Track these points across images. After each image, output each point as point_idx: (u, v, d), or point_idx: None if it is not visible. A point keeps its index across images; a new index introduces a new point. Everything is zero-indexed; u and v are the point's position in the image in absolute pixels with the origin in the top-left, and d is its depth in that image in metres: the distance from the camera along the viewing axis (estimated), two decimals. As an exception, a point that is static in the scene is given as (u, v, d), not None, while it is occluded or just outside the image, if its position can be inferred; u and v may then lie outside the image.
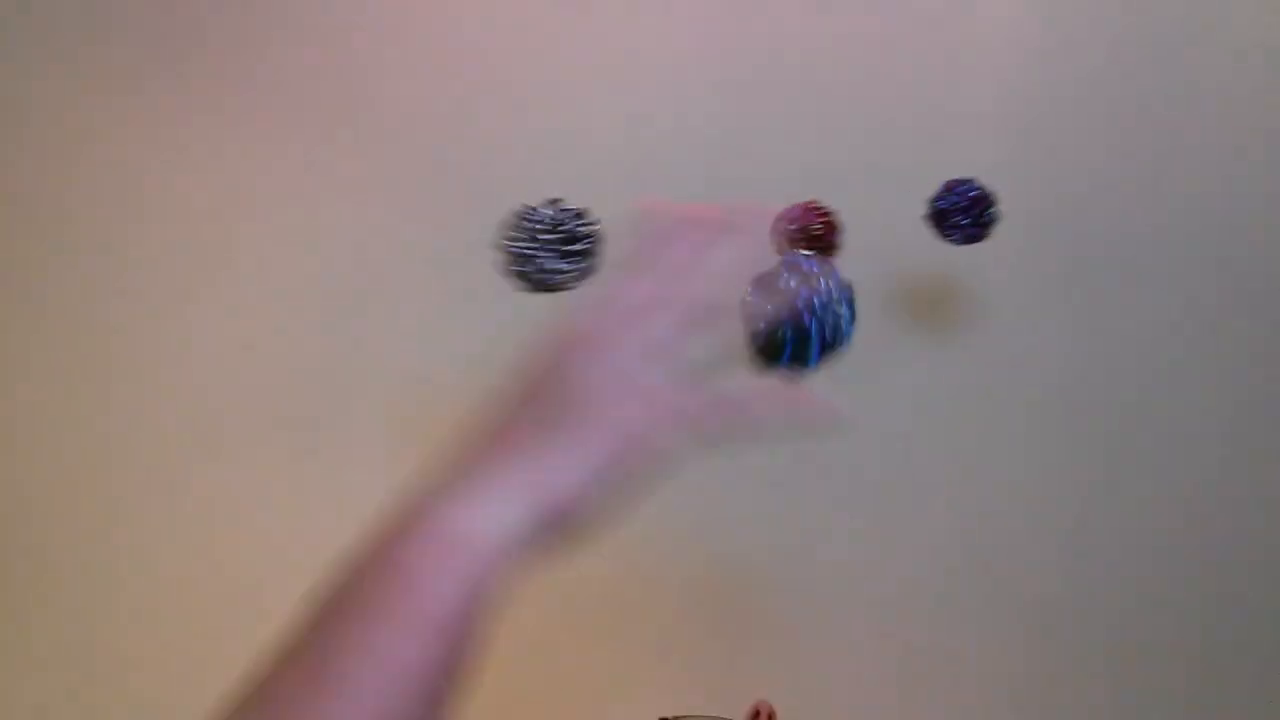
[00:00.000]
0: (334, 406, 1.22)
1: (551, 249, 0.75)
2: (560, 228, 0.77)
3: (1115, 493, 1.17)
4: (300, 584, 0.39)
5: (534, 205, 0.76)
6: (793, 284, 0.50)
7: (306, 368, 1.21)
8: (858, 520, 1.17)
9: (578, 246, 0.77)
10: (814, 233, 0.84)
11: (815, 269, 0.51)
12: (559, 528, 0.40)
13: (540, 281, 0.74)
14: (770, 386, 0.47)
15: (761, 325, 0.51)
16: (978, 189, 0.87)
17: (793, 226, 0.84)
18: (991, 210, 0.87)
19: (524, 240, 0.75)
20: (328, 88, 1.21)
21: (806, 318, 0.51)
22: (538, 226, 0.74)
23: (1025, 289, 1.19)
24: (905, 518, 1.16)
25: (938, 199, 0.87)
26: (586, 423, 0.40)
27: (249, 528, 1.18)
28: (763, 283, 0.50)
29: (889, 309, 1.18)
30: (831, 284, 0.51)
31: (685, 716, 1.00)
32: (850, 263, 1.09)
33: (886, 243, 1.13)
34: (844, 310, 0.54)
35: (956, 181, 0.88)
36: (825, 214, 0.84)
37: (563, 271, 0.74)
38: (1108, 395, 1.17)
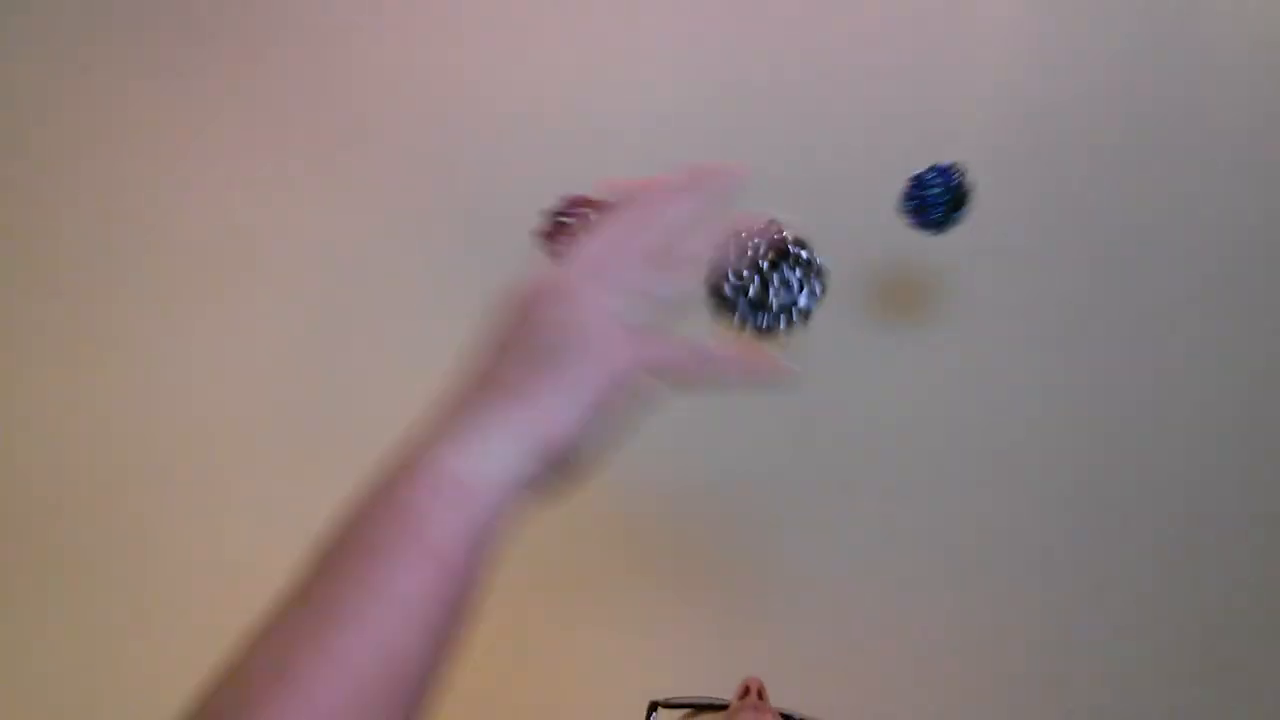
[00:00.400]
0: (338, 410, 1.23)
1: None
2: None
3: (1120, 486, 1.19)
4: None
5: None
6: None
7: (309, 370, 1.23)
8: (858, 503, 1.18)
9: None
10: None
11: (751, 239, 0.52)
12: (554, 465, 0.42)
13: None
14: (735, 342, 0.50)
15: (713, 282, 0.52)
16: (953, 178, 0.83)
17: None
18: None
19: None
20: (328, 88, 1.23)
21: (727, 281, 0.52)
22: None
23: (1028, 289, 1.20)
24: (908, 501, 1.17)
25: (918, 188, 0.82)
26: (575, 362, 0.42)
27: (251, 533, 1.19)
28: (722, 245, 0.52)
29: (889, 308, 1.19)
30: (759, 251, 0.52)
31: (677, 698, 1.02)
32: (848, 263, 1.11)
33: (885, 242, 1.14)
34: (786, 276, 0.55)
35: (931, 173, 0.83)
36: None
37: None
38: (1108, 390, 1.19)
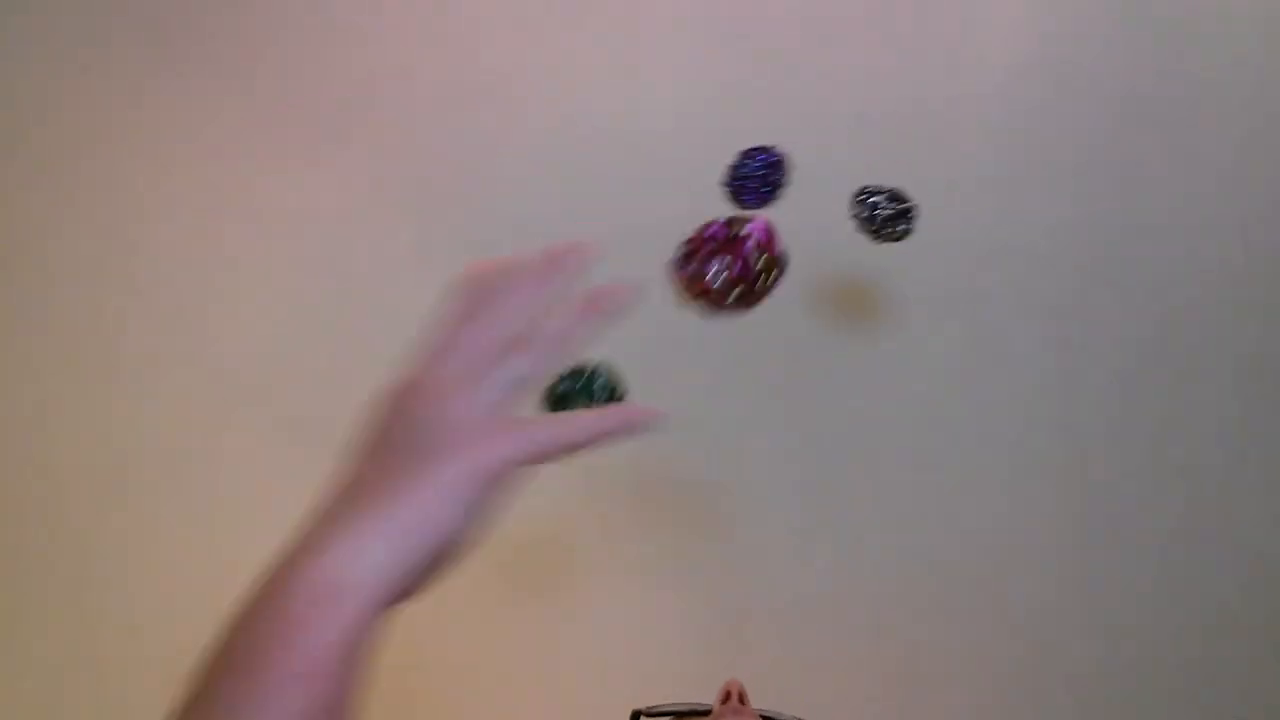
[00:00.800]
0: (339, 410, 1.21)
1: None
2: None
3: (1109, 495, 1.15)
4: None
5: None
6: None
7: (310, 370, 1.22)
8: (840, 504, 1.16)
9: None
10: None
11: None
12: (428, 563, 0.42)
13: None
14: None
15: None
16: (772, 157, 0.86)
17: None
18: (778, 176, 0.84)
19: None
20: (328, 87, 1.24)
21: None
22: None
23: (1029, 287, 1.18)
24: (891, 502, 1.15)
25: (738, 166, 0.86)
26: (444, 460, 0.42)
27: (253, 532, 1.17)
28: None
29: (895, 304, 1.17)
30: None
31: (658, 706, 0.99)
32: (845, 262, 1.09)
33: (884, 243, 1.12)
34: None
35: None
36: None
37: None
38: (1107, 391, 1.17)
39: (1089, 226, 1.18)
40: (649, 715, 0.98)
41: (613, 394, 0.63)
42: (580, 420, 0.47)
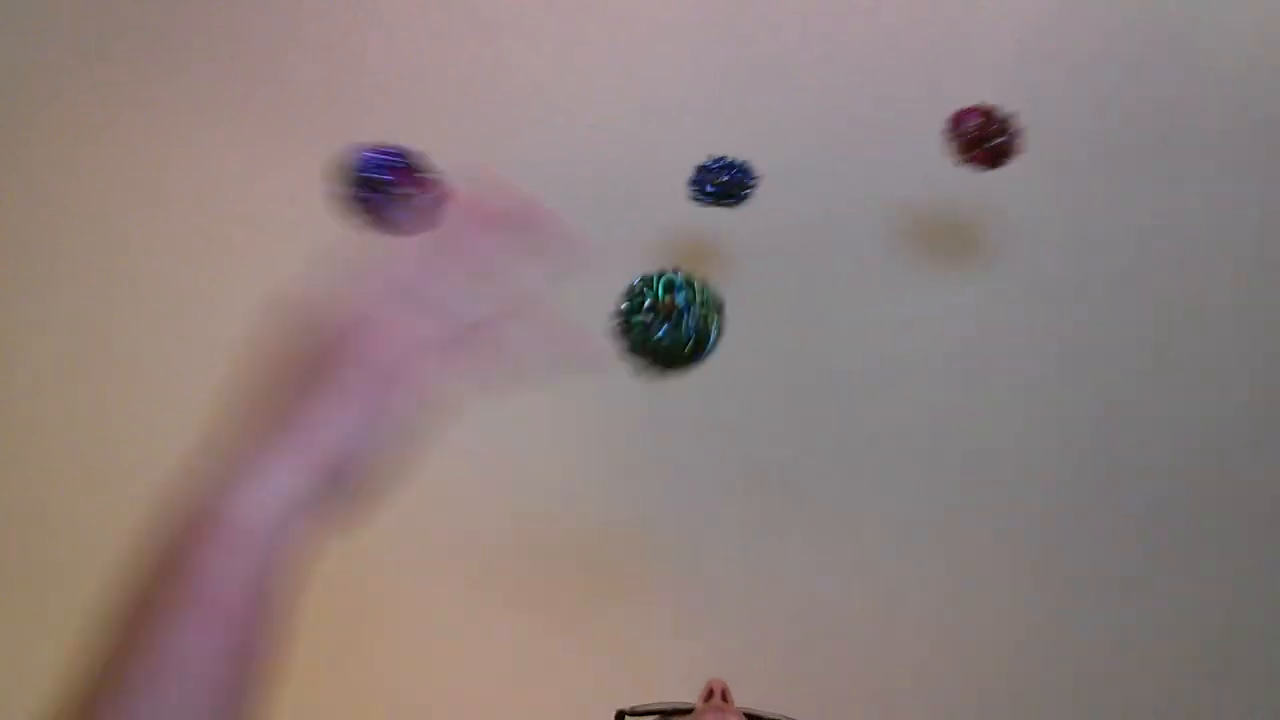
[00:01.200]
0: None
1: None
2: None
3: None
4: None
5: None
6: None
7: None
8: (815, 504, 1.15)
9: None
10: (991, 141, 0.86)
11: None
12: (339, 486, 0.40)
13: None
14: (532, 324, 0.43)
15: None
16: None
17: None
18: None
19: None
20: (329, 87, 1.24)
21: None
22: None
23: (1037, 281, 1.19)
24: (867, 501, 1.14)
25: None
26: (345, 373, 0.39)
27: None
28: None
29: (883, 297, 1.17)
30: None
31: (642, 706, 0.98)
32: (858, 245, 1.09)
33: (887, 226, 1.13)
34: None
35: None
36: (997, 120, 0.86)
37: None
38: (1107, 379, 1.18)
39: (1090, 219, 1.17)
40: (633, 715, 0.97)
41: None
42: (506, 337, 0.42)
